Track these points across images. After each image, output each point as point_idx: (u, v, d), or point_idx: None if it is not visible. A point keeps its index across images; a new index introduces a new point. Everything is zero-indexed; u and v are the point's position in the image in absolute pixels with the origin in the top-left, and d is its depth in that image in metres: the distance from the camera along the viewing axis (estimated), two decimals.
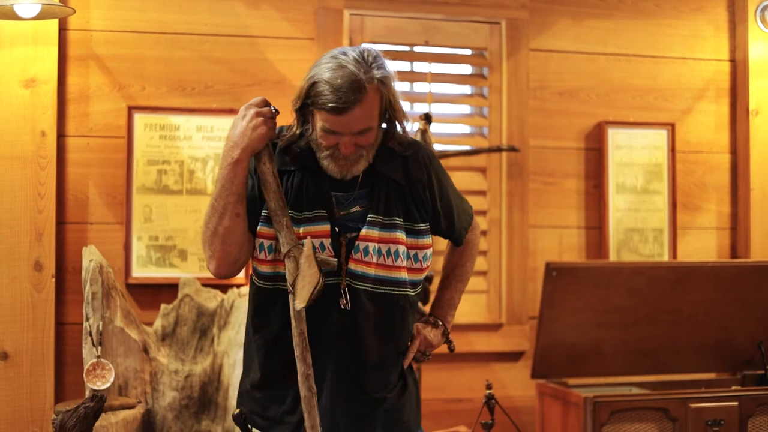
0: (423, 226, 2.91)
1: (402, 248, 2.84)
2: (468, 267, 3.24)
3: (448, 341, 3.18)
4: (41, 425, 4.24)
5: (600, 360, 4.72)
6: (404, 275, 2.86)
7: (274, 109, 2.82)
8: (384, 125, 2.85)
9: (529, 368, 4.81)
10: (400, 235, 2.84)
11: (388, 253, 2.82)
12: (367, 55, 2.73)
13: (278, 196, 2.76)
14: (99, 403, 3.18)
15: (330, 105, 2.66)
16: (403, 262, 2.85)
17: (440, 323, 3.14)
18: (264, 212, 2.81)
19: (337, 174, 2.81)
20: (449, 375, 4.92)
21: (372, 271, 2.82)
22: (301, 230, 2.80)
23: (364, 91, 2.68)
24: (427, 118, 4.19)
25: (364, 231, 2.82)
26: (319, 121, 2.73)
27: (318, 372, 2.78)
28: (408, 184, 2.88)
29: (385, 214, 2.84)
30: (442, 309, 3.18)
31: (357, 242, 2.82)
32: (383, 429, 2.89)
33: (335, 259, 2.77)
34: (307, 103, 2.74)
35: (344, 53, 2.72)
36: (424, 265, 2.92)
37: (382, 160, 2.85)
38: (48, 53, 4.38)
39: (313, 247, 2.72)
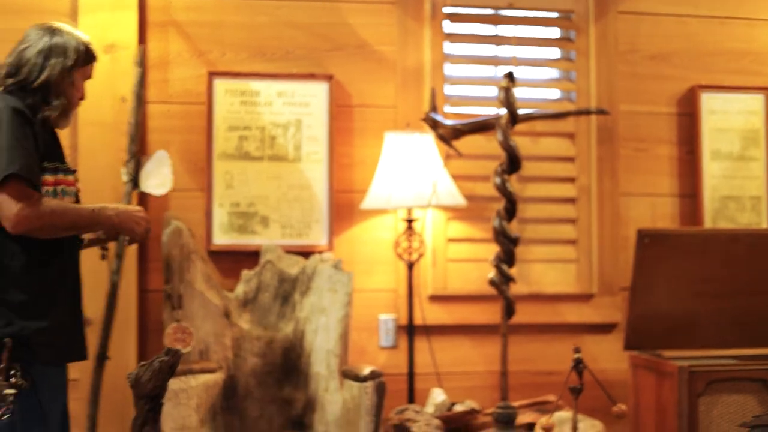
0: None
1: None
2: None
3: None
4: (124, 391, 4.19)
5: (695, 331, 4.54)
6: None
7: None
8: None
9: (621, 341, 4.67)
10: None
11: None
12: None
13: None
14: (174, 358, 3.09)
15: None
16: None
17: None
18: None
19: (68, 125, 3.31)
20: (538, 347, 4.79)
21: None
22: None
23: None
24: (510, 77, 4.06)
25: None
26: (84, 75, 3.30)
27: None
28: None
29: None
30: None
31: None
32: None
33: None
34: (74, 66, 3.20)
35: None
36: None
37: None
38: (128, 19, 4.37)
39: None
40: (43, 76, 3.13)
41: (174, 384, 3.80)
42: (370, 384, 3.76)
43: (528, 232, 4.79)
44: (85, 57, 3.26)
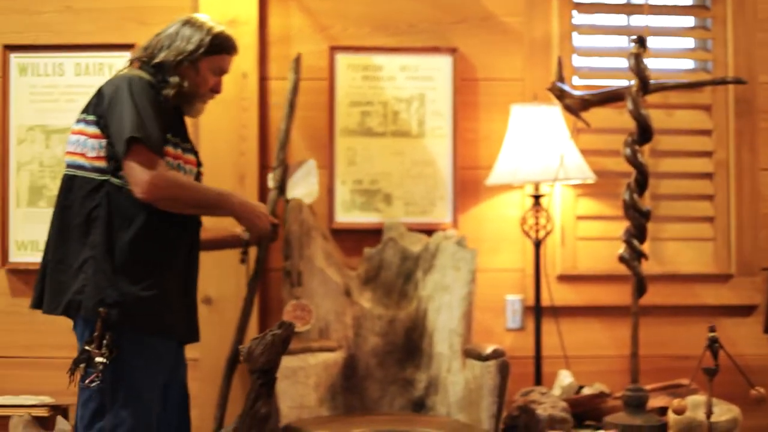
0: None
1: None
2: None
3: None
4: (242, 371, 4.16)
5: None
6: None
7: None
8: None
9: (761, 324, 4.46)
10: None
11: None
12: None
13: None
14: (287, 331, 3.03)
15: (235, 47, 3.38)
16: None
17: None
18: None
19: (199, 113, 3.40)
20: (672, 330, 4.59)
21: None
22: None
23: None
24: (641, 42, 3.87)
25: None
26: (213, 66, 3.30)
27: None
28: None
29: None
30: None
31: None
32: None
33: None
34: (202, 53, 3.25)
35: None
36: None
37: None
38: None
39: None
40: (160, 56, 3.20)
41: (292, 362, 3.75)
42: (492, 363, 3.63)
43: (662, 209, 4.59)
44: (210, 47, 3.26)
